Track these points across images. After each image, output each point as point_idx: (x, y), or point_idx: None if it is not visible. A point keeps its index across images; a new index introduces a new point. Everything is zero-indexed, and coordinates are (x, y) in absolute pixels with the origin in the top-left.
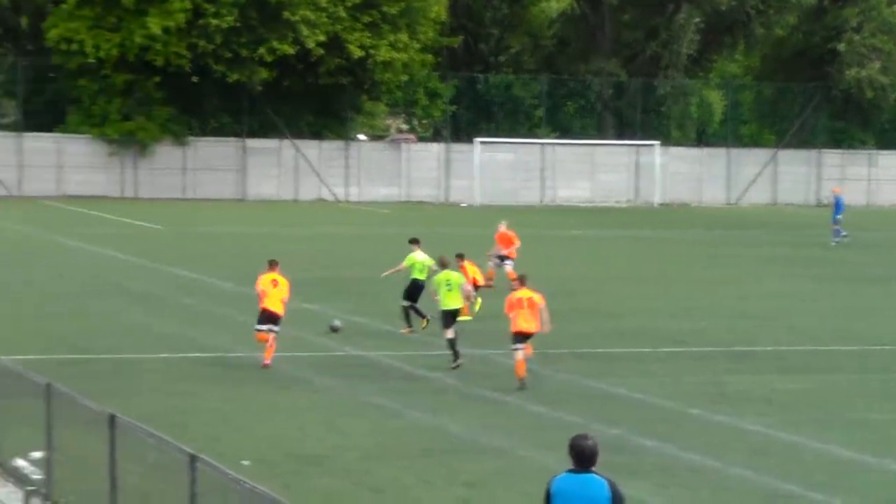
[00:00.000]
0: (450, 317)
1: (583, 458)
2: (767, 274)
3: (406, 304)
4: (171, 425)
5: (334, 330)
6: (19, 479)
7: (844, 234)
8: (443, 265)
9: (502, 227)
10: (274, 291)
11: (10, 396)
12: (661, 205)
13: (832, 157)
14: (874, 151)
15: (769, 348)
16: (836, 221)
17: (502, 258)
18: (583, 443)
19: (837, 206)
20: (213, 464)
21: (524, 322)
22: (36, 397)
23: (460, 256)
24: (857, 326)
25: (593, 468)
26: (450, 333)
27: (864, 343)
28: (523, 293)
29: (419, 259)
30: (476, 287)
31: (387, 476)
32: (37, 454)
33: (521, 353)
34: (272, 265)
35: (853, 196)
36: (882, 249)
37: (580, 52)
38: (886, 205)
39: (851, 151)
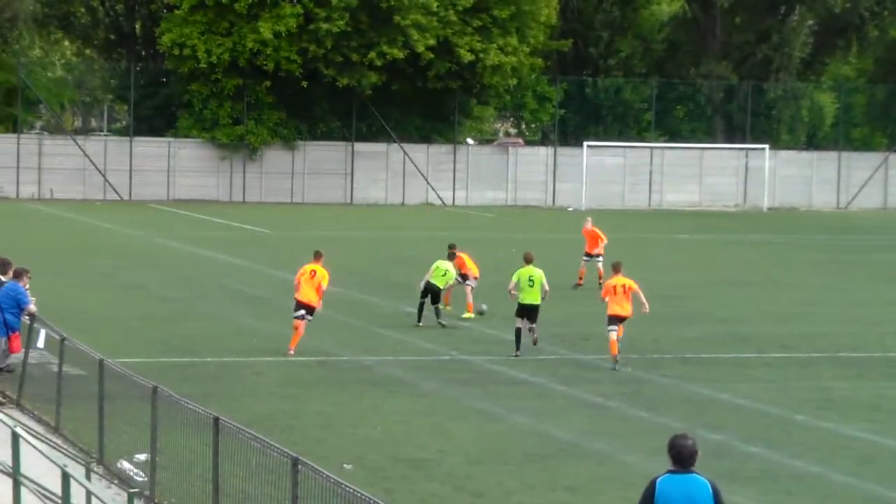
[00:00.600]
0: (524, 311)
1: (682, 457)
2: (876, 279)
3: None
4: (275, 428)
5: (481, 313)
6: (124, 480)
7: None
8: (527, 261)
9: (588, 225)
10: (308, 282)
11: (117, 399)
12: (770, 209)
13: None
14: None
15: (877, 354)
16: None
17: (591, 256)
18: (683, 442)
19: None
20: (315, 467)
21: (618, 307)
22: (142, 400)
23: (452, 247)
24: None
25: (693, 468)
26: (518, 324)
27: None
28: (618, 280)
29: (443, 266)
30: (464, 277)
31: (489, 481)
32: (141, 456)
33: (615, 333)
34: (317, 256)
35: None
36: None
37: (690, 55)
38: None
39: None
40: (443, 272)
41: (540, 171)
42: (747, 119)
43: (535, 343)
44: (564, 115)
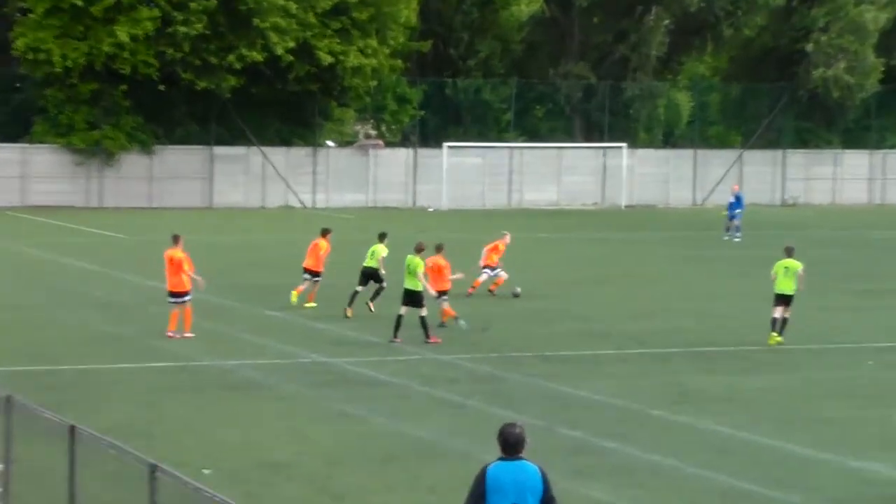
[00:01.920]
0: (405, 296)
1: (509, 444)
2: (731, 274)
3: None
4: (134, 435)
5: (516, 295)
6: None
7: (739, 235)
8: (418, 251)
9: (506, 239)
10: (171, 269)
11: None
12: (628, 207)
13: (797, 157)
14: (839, 151)
15: (730, 348)
16: (732, 217)
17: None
18: (510, 430)
19: (737, 203)
20: (174, 473)
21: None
22: None
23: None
24: (817, 326)
25: (522, 455)
26: (402, 311)
27: (823, 342)
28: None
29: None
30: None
31: (350, 482)
32: None
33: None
34: (175, 241)
35: (818, 195)
36: (848, 249)
37: (549, 55)
38: (849, 203)
39: (816, 151)
40: (371, 252)
41: (400, 172)
42: (605, 118)
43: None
44: (425, 116)
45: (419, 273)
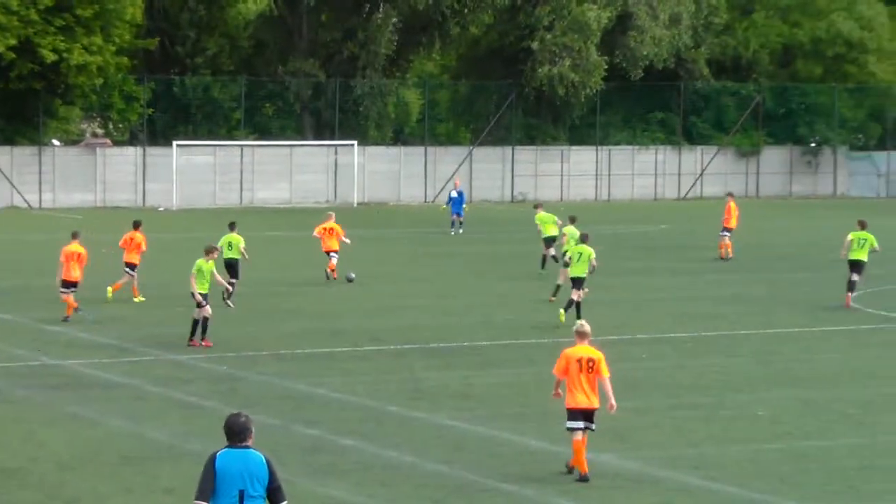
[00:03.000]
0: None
1: (233, 433)
2: (465, 272)
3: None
4: None
5: (350, 280)
6: None
7: (462, 229)
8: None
9: (331, 220)
10: (74, 262)
11: None
12: (360, 205)
13: (526, 154)
14: (566, 147)
15: (465, 344)
16: (457, 213)
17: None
18: (235, 419)
19: (460, 198)
20: None
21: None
22: None
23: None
24: (550, 319)
25: (248, 444)
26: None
27: (556, 336)
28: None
29: (227, 239)
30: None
31: (83, 486)
32: None
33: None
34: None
35: (548, 192)
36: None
37: (278, 52)
38: (578, 199)
39: (544, 148)
40: (227, 243)
41: (129, 171)
42: (336, 116)
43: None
44: (153, 114)
45: (192, 276)
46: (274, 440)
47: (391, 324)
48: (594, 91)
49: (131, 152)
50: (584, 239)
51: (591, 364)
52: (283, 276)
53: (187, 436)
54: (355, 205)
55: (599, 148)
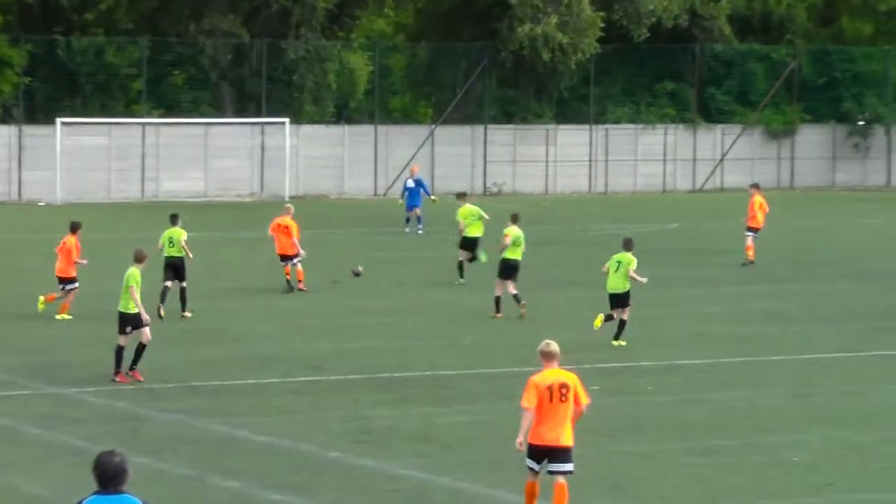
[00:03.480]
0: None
1: (107, 476)
2: (426, 283)
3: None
4: None
5: (357, 274)
6: None
7: (421, 227)
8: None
9: (287, 216)
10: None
11: None
12: (294, 198)
13: (502, 135)
14: (552, 127)
15: (426, 373)
16: (413, 206)
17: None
18: (108, 459)
19: (417, 188)
20: None
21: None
22: None
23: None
24: (531, 341)
25: (124, 489)
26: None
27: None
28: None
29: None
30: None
31: None
32: None
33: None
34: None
35: (529, 181)
36: (562, 247)
37: (190, 7)
38: (567, 191)
39: (525, 127)
40: (168, 239)
41: (2, 156)
42: (262, 87)
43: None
44: (31, 84)
45: (132, 289)
46: (183, 494)
47: (333, 348)
48: (587, 56)
49: (4, 133)
50: (626, 245)
51: (564, 391)
52: (198, 288)
53: (75, 490)
54: (287, 198)
55: (594, 127)
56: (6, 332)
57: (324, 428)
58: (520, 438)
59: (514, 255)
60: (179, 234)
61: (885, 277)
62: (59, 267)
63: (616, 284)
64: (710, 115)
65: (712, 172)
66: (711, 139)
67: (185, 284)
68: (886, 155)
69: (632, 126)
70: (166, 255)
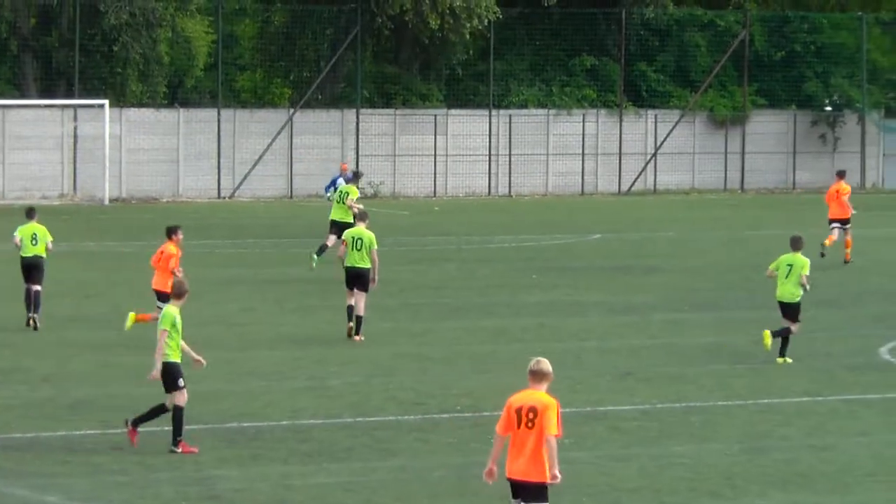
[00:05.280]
0: None
1: None
2: (283, 305)
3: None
4: None
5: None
6: None
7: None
8: None
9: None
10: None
11: None
12: (116, 202)
13: (379, 122)
14: (441, 111)
15: (284, 422)
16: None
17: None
18: None
19: (332, 185)
20: None
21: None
22: None
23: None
24: (420, 386)
25: None
26: None
27: (443, 409)
28: None
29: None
30: None
31: None
32: None
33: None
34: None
35: (413, 181)
36: (455, 264)
37: None
38: (461, 194)
39: (408, 112)
40: (31, 235)
41: None
42: (76, 60)
43: None
44: None
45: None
46: None
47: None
48: (486, 23)
49: None
50: (796, 245)
51: (531, 416)
52: None
53: None
54: (107, 202)
55: (495, 112)
56: None
57: (155, 493)
58: (488, 467)
59: (361, 262)
60: (44, 231)
61: (860, 303)
62: (156, 280)
63: (787, 292)
64: (640, 98)
65: (642, 170)
66: (642, 128)
67: (39, 288)
68: (860, 149)
69: (542, 111)
70: (27, 254)
